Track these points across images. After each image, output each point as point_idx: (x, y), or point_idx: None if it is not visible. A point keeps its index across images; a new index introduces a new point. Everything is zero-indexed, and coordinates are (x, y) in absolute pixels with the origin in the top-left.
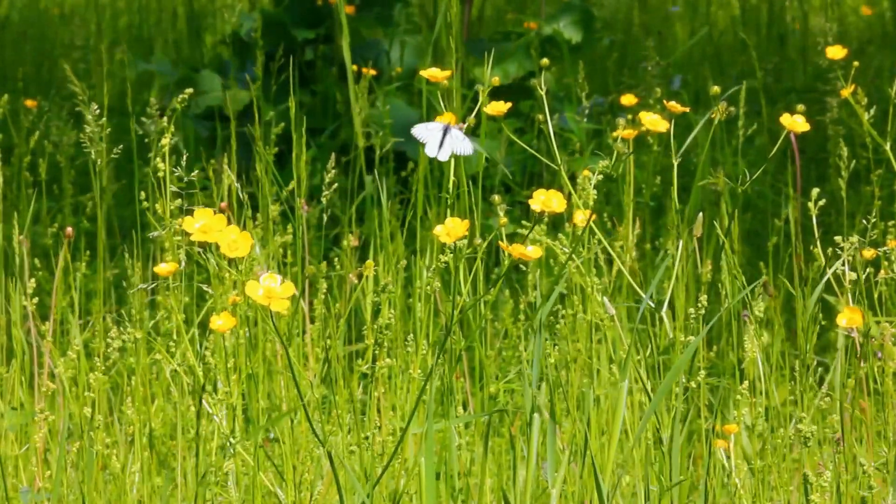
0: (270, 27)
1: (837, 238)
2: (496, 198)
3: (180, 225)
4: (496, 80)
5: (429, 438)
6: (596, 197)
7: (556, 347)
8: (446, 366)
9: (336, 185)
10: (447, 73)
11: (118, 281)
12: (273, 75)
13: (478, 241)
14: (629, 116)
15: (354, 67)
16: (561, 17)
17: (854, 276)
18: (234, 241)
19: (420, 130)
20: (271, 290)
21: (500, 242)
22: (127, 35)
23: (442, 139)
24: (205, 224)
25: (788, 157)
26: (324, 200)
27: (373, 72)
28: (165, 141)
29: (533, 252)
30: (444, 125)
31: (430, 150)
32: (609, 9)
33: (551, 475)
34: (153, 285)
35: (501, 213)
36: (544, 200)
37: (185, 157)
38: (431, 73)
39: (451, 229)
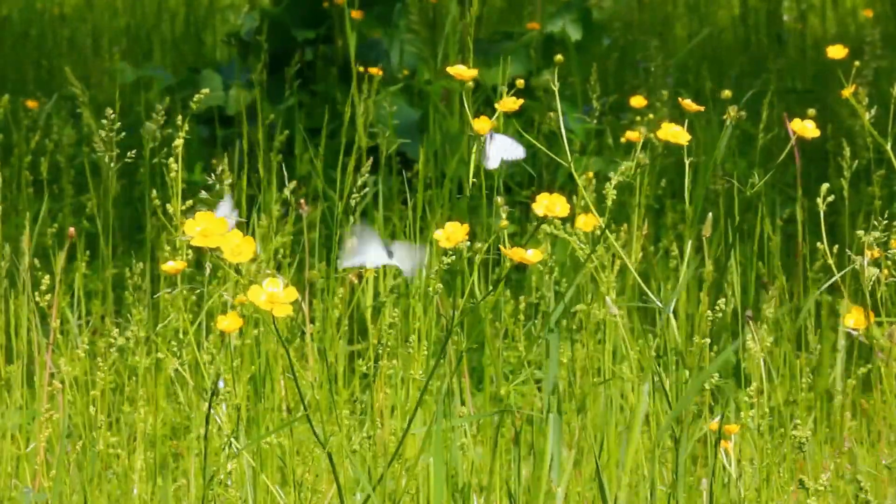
0: (271, 27)
1: (859, 233)
2: (499, 200)
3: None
4: (521, 83)
5: (436, 438)
6: (595, 197)
7: (568, 346)
8: (449, 367)
9: (367, 189)
10: (473, 72)
11: (118, 281)
12: (273, 76)
13: (477, 244)
14: (637, 118)
15: (361, 69)
16: (560, 17)
17: (875, 272)
18: (238, 245)
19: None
20: (274, 295)
21: (500, 246)
22: (126, 35)
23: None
24: (205, 228)
25: (789, 157)
26: (353, 201)
27: (377, 72)
28: (179, 141)
29: (532, 256)
30: (488, 134)
31: (486, 163)
32: (608, 10)
33: (557, 474)
34: (177, 290)
35: (503, 216)
36: (548, 205)
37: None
38: (457, 70)
39: (450, 234)
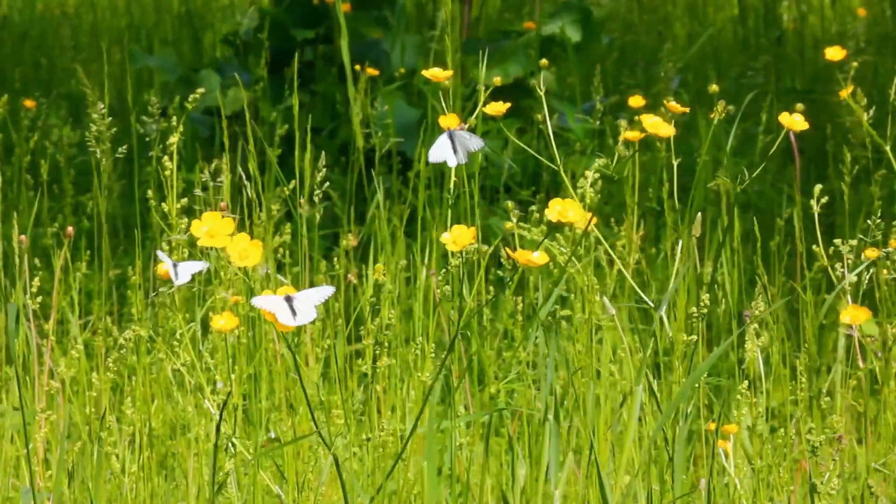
0: (270, 27)
1: (837, 241)
2: (509, 204)
3: (186, 224)
4: (497, 80)
5: (430, 440)
6: (598, 198)
7: (556, 347)
8: (451, 366)
9: (328, 182)
10: (448, 73)
11: (119, 281)
12: (273, 76)
13: (483, 247)
14: (635, 118)
15: (357, 67)
16: (560, 17)
17: (854, 278)
18: (245, 249)
19: (435, 153)
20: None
21: (506, 249)
22: (126, 35)
23: (453, 146)
24: (211, 228)
25: (789, 157)
26: (316, 198)
27: (375, 72)
28: (174, 139)
29: (539, 258)
30: (447, 133)
31: (451, 162)
32: (606, 7)
33: (554, 476)
34: (172, 289)
35: (514, 220)
36: (560, 211)
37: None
38: (433, 73)
39: (457, 237)
